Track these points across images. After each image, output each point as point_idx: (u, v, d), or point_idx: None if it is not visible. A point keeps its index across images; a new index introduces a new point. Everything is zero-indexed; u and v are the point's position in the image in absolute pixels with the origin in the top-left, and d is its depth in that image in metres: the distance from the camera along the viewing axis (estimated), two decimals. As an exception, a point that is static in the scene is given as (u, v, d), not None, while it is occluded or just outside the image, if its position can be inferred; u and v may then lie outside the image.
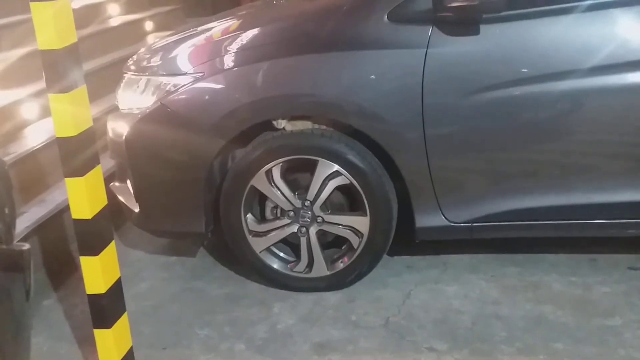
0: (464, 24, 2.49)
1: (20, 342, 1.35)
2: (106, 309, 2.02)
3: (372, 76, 2.57)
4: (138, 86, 2.85)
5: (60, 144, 1.88)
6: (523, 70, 2.48)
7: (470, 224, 2.66)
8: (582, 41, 2.47)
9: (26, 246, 1.33)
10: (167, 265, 3.14)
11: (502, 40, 2.49)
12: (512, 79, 2.48)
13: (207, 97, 2.72)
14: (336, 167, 2.64)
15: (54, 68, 1.83)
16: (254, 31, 2.88)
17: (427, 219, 2.67)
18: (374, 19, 2.59)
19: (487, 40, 2.48)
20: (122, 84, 2.98)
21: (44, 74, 1.84)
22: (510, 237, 2.83)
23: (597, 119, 2.53)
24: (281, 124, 2.73)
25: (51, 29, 1.79)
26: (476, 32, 2.47)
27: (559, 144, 2.58)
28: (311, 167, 2.67)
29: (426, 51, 2.49)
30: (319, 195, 2.68)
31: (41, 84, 3.59)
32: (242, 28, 2.95)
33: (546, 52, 2.48)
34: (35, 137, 3.55)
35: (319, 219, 2.72)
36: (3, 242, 1.31)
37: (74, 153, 1.88)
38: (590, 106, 2.51)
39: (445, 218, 2.66)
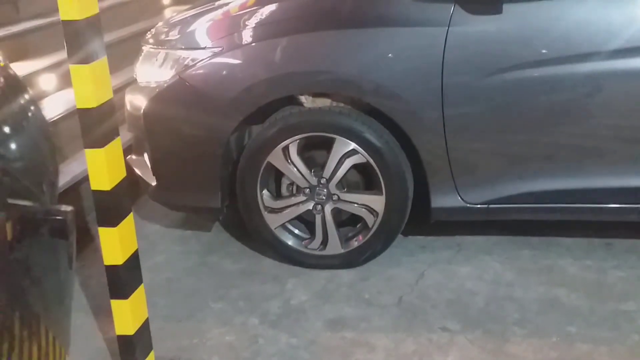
0: (487, 2, 2.46)
1: (63, 310, 1.34)
2: (123, 280, 2.04)
3: (392, 54, 2.55)
4: (157, 59, 2.85)
5: (80, 115, 1.88)
6: (544, 51, 2.45)
7: (486, 206, 2.65)
8: (605, 23, 2.43)
9: (70, 208, 1.30)
10: (183, 239, 3.16)
11: (525, 20, 2.46)
12: (533, 59, 2.45)
13: (225, 72, 2.72)
14: (353, 145, 2.63)
15: (75, 39, 1.82)
16: (273, 6, 2.86)
17: (443, 200, 2.66)
18: (395, -4, 2.57)
19: (510, 20, 2.45)
20: (140, 57, 2.98)
21: (65, 45, 1.84)
22: (526, 220, 2.82)
23: (617, 102, 2.50)
24: (306, 99, 2.72)
25: (73, -1, 1.79)
26: (499, 11, 2.44)
27: (578, 127, 2.56)
28: (328, 144, 2.66)
29: (447, 30, 2.46)
30: (335, 173, 2.68)
31: (61, 55, 3.62)
32: (261, 3, 2.93)
33: (569, 33, 2.45)
34: (53, 108, 3.56)
35: (335, 197, 2.72)
36: (50, 203, 1.29)
37: (94, 124, 1.88)
38: (611, 89, 2.48)
39: (462, 199, 2.65)
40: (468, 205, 2.66)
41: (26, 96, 1.33)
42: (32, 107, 1.33)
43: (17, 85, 1.34)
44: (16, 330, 1.16)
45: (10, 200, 1.16)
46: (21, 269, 1.19)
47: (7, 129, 1.23)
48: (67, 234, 1.28)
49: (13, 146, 1.23)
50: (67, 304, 1.36)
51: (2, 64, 1.38)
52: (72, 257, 1.32)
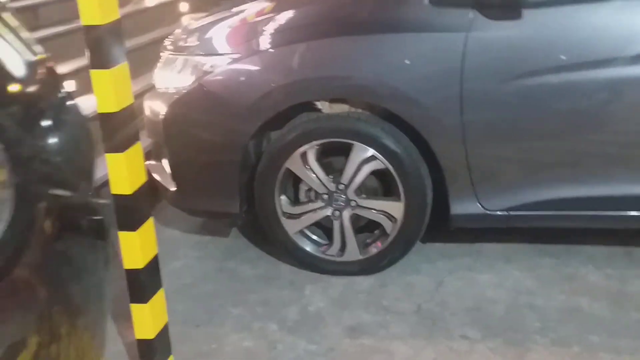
0: (506, 7, 2.45)
1: (99, 311, 1.34)
2: (143, 284, 2.04)
3: (411, 59, 2.54)
4: (175, 65, 2.87)
5: (101, 119, 1.89)
6: (565, 56, 2.43)
7: (506, 213, 2.63)
8: (626, 28, 2.42)
9: (106, 201, 1.31)
10: (201, 245, 3.17)
11: (545, 25, 2.44)
12: (554, 65, 2.43)
13: (243, 78, 2.72)
14: (371, 152, 2.62)
15: (96, 44, 1.83)
16: (290, 12, 2.87)
17: (463, 206, 2.64)
18: (414, 1, 2.56)
19: (530, 25, 2.43)
20: (159, 63, 2.99)
21: (86, 50, 1.85)
22: (546, 227, 2.79)
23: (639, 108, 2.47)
24: (322, 105, 2.72)
25: (94, 5, 1.80)
26: (518, 16, 2.43)
27: (600, 133, 2.53)
28: (346, 150, 2.65)
29: (467, 35, 2.45)
30: (354, 179, 2.67)
31: (79, 62, 3.65)
32: (279, 9, 2.94)
33: (589, 38, 2.42)
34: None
35: (353, 203, 2.71)
36: (87, 196, 1.30)
37: (115, 129, 1.88)
38: (633, 95, 2.45)
39: (482, 206, 2.63)
40: (488, 212, 2.64)
41: (65, 90, 1.33)
42: (70, 101, 1.33)
43: (56, 79, 1.34)
44: (55, 324, 1.16)
45: (51, 191, 1.17)
46: (62, 260, 1.19)
47: (48, 122, 1.23)
48: (105, 232, 1.28)
49: (54, 139, 1.23)
50: (105, 303, 1.37)
51: (43, 56, 1.37)
52: (109, 257, 1.33)
